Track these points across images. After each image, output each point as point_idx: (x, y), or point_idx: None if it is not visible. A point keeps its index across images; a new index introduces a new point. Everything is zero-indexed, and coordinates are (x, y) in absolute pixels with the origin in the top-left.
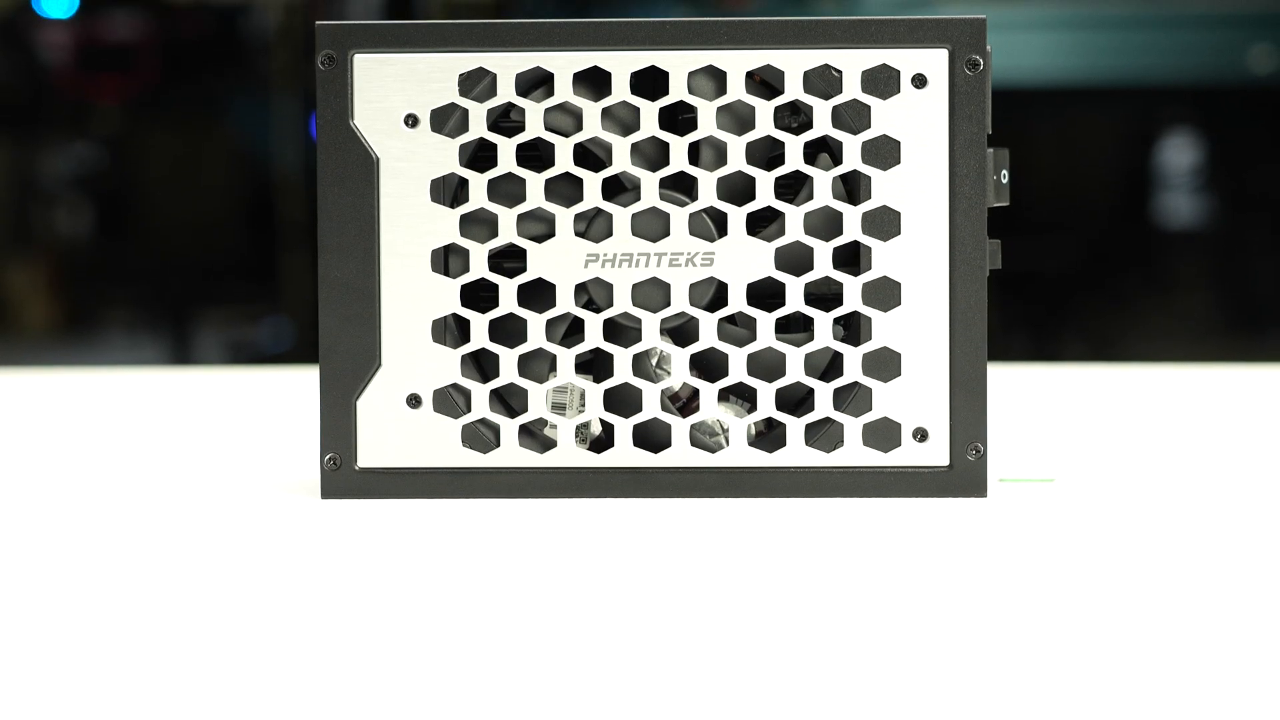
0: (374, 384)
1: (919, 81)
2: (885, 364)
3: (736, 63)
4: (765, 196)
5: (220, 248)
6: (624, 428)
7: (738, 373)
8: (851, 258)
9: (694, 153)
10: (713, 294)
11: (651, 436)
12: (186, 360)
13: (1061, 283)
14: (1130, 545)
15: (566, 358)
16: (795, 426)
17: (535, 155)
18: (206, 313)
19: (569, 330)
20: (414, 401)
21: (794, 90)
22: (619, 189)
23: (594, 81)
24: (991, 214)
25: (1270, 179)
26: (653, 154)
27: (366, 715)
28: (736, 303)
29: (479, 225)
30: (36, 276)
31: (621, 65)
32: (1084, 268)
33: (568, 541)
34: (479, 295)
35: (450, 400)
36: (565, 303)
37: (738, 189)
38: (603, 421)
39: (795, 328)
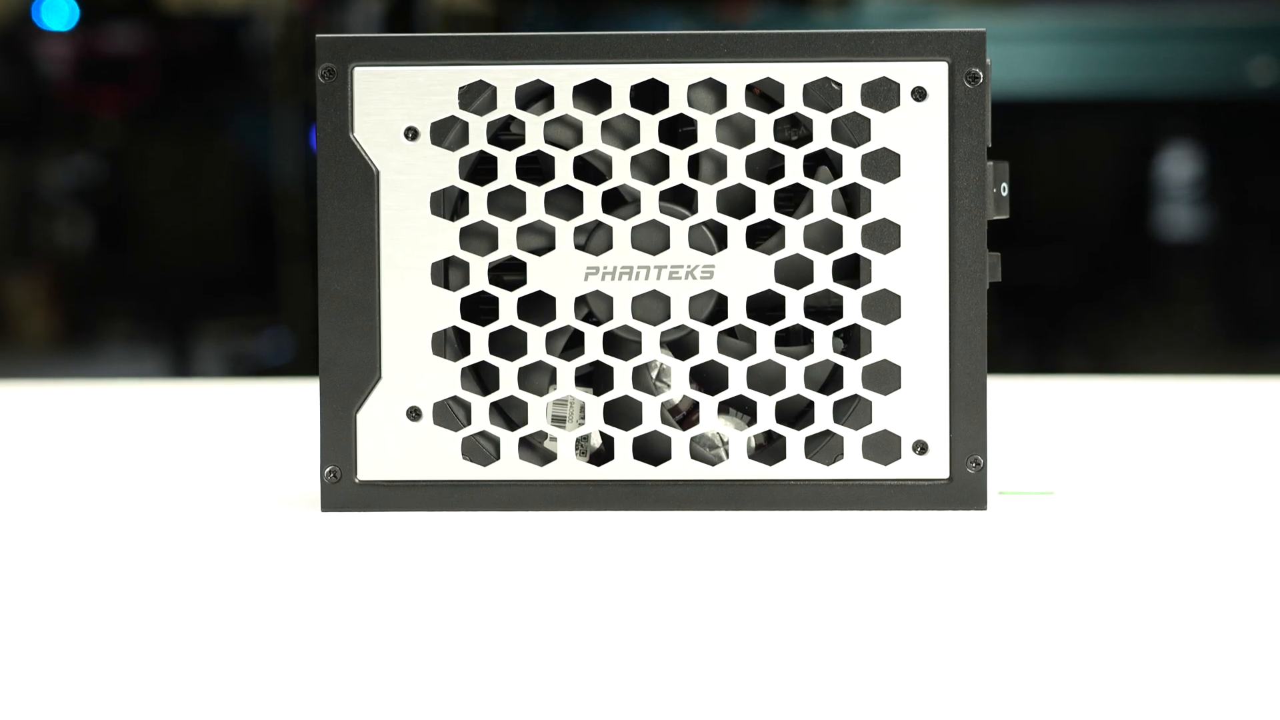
0: (374, 397)
1: (919, 94)
2: (885, 377)
3: (736, 75)
4: (765, 209)
5: (220, 260)
6: (624, 440)
7: (738, 385)
8: (851, 271)
9: (694, 166)
10: (713, 307)
11: (651, 449)
12: (186, 372)
13: (1061, 295)
14: (1130, 558)
15: (566, 370)
16: (795, 439)
17: (535, 168)
18: (207, 325)
19: (569, 343)
20: (414, 414)
21: (794, 103)
22: (619, 202)
23: (594, 94)
24: (991, 226)
25: (1270, 191)
26: (653, 167)
27: None
28: (736, 315)
29: (479, 238)
30: (36, 288)
31: (621, 78)
32: (1084, 280)
33: (568, 554)
34: (479, 308)
35: (450, 413)
36: (565, 315)
37: (738, 202)
38: (603, 434)
39: (795, 341)
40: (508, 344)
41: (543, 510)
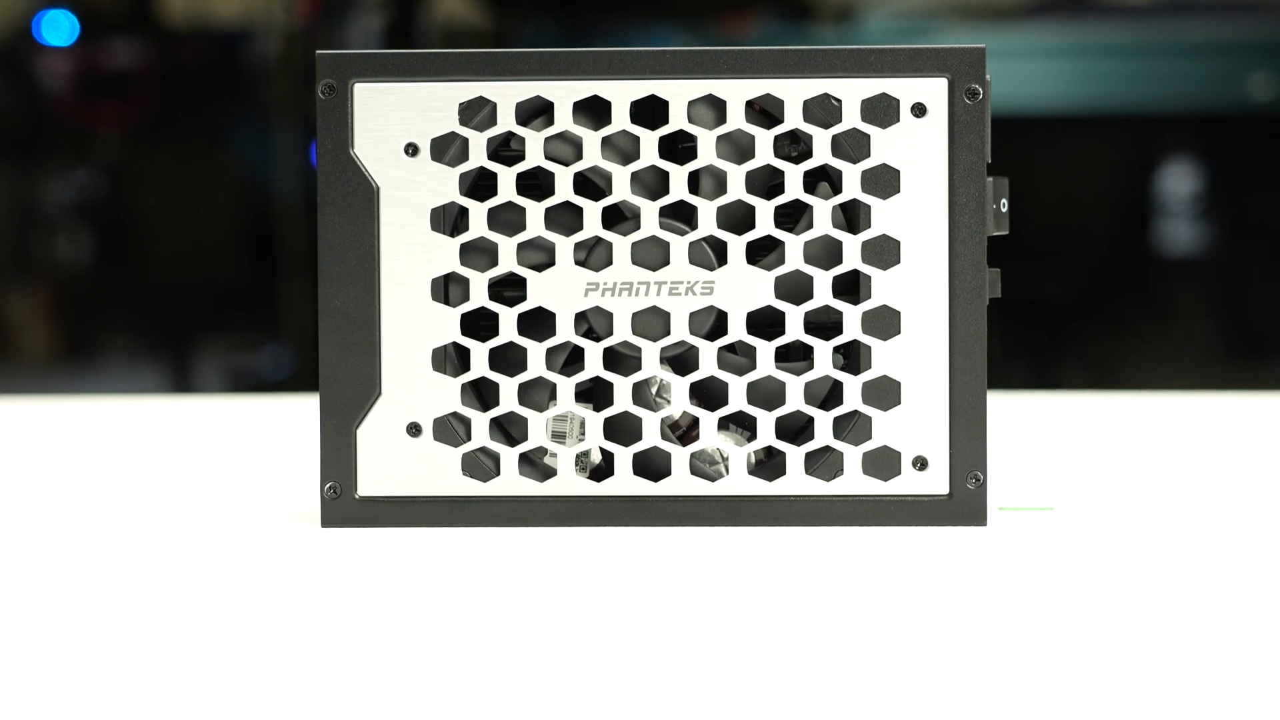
0: (374, 412)
1: (918, 110)
2: (885, 392)
3: (736, 92)
4: (765, 225)
5: (220, 275)
6: (624, 456)
7: (737, 401)
8: (851, 286)
9: (694, 182)
10: (712, 323)
11: (651, 465)
12: (186, 388)
13: (1061, 310)
14: (1130, 574)
15: (566, 386)
16: (795, 455)
17: (535, 184)
18: (206, 340)
19: (569, 359)
20: (414, 430)
21: (793, 119)
22: (619, 218)
23: (594, 110)
24: (991, 242)
25: (1270, 206)
26: (652, 183)
27: None
28: (736, 331)
29: (479, 254)
30: (36, 303)
31: (621, 94)
32: (1084, 295)
33: (568, 570)
34: (479, 324)
35: (450, 429)
36: (565, 331)
37: (737, 218)
38: (603, 450)
39: (795, 356)
40: (508, 360)
41: (543, 526)
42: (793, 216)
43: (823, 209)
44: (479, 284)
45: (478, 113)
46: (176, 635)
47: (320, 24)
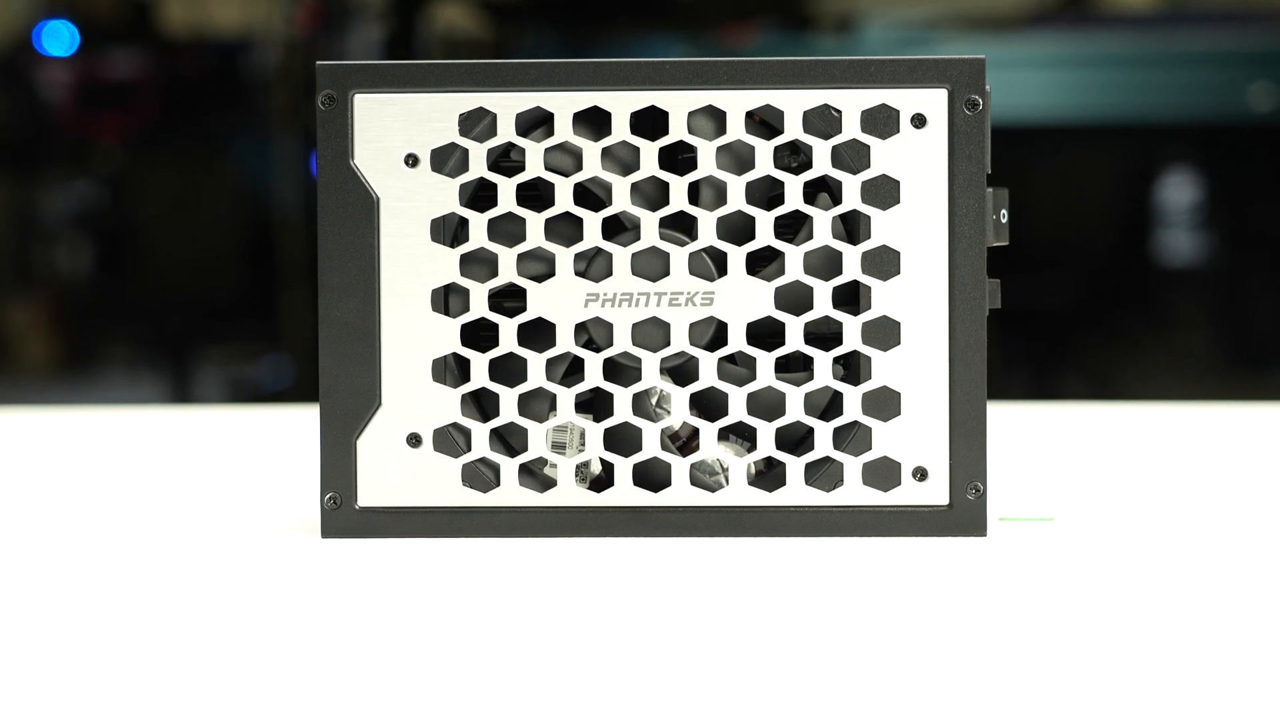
0: (374, 423)
1: (918, 121)
2: (885, 403)
3: (736, 102)
4: (765, 236)
5: (220, 285)
6: (624, 467)
7: (737, 412)
8: (851, 297)
9: (694, 192)
10: (712, 333)
11: (651, 476)
12: (186, 398)
13: (1061, 320)
14: (1130, 584)
15: (566, 397)
16: (795, 466)
17: (535, 195)
18: (207, 350)
19: (569, 369)
20: (414, 441)
21: (793, 130)
22: (619, 228)
23: (594, 121)
24: (991, 253)
25: (1270, 216)
26: (653, 193)
27: None
28: (736, 342)
29: (479, 265)
30: (36, 314)
31: (621, 105)
32: (1084, 305)
33: (568, 581)
34: (479, 334)
35: (450, 439)
36: (565, 342)
37: (737, 228)
38: (603, 461)
39: (795, 367)
40: (508, 370)
41: (543, 537)
42: (793, 227)
43: (823, 220)
44: (479, 295)
45: (478, 123)
46: (177, 646)
47: (320, 35)
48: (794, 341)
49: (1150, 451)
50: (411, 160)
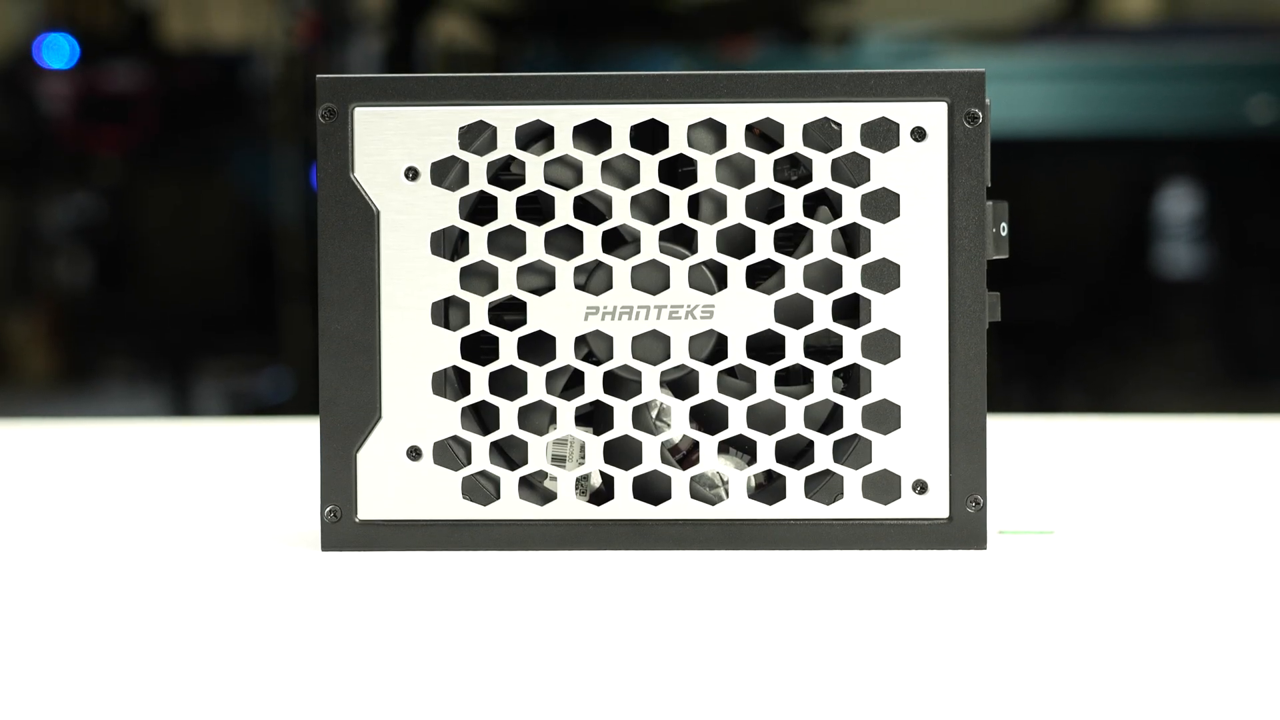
0: (374, 436)
1: (918, 134)
2: (885, 416)
3: (736, 116)
4: (765, 249)
5: (220, 298)
6: (624, 480)
7: (738, 425)
8: (851, 310)
9: (694, 205)
10: (712, 346)
11: (651, 489)
12: (186, 411)
13: (1061, 333)
14: (1130, 598)
15: (566, 410)
16: (795, 479)
17: (535, 208)
18: (206, 363)
19: (569, 383)
20: (414, 454)
21: (793, 143)
22: (619, 242)
23: (594, 134)
24: (991, 265)
25: (1270, 229)
26: (653, 207)
27: None
28: (736, 355)
29: (479, 278)
30: (36, 327)
31: (621, 118)
32: (1084, 318)
33: (568, 593)
34: (479, 348)
35: (450, 452)
36: (565, 355)
37: (737, 242)
38: (603, 474)
39: (795, 380)
40: (508, 384)
41: (543, 549)
42: (793, 240)
43: (823, 233)
44: (479, 308)
45: (478, 137)
46: (177, 659)
47: (320, 47)
48: (794, 355)
49: (1150, 464)
50: (412, 173)
